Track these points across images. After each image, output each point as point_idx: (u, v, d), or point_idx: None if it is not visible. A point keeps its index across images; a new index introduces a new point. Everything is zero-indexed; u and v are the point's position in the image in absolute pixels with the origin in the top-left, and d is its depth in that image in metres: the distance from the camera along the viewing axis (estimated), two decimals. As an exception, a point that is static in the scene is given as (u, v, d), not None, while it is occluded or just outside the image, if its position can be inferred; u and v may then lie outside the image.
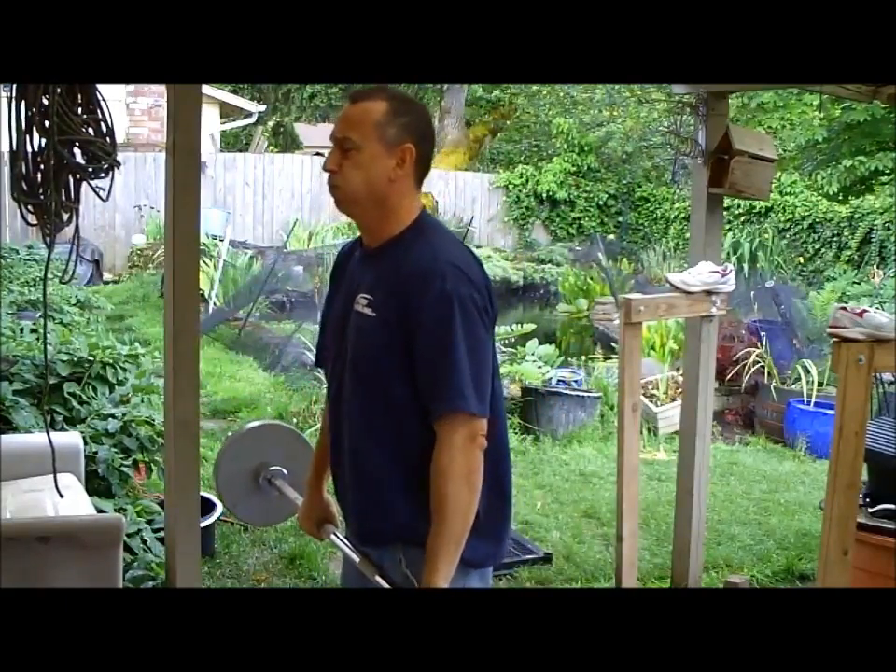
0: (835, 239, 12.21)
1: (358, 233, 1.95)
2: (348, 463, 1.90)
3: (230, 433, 2.48)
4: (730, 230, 12.70)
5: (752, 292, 8.87)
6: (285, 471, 2.36)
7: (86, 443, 3.60)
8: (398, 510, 1.83)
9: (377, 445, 1.83)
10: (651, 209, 15.40)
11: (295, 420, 5.86)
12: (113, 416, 3.96)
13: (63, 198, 2.21)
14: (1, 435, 3.34)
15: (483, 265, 1.87)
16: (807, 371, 6.49)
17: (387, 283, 1.79)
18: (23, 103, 2.13)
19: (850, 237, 11.96)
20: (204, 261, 9.41)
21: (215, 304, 9.37)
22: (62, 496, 2.97)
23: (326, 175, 1.82)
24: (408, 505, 1.82)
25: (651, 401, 6.42)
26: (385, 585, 1.82)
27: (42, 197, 2.18)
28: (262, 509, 2.43)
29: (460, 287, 1.74)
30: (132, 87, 12.83)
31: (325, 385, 2.12)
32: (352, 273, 1.91)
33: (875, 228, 11.64)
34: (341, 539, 2.02)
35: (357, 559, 1.92)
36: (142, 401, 4.19)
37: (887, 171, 12.37)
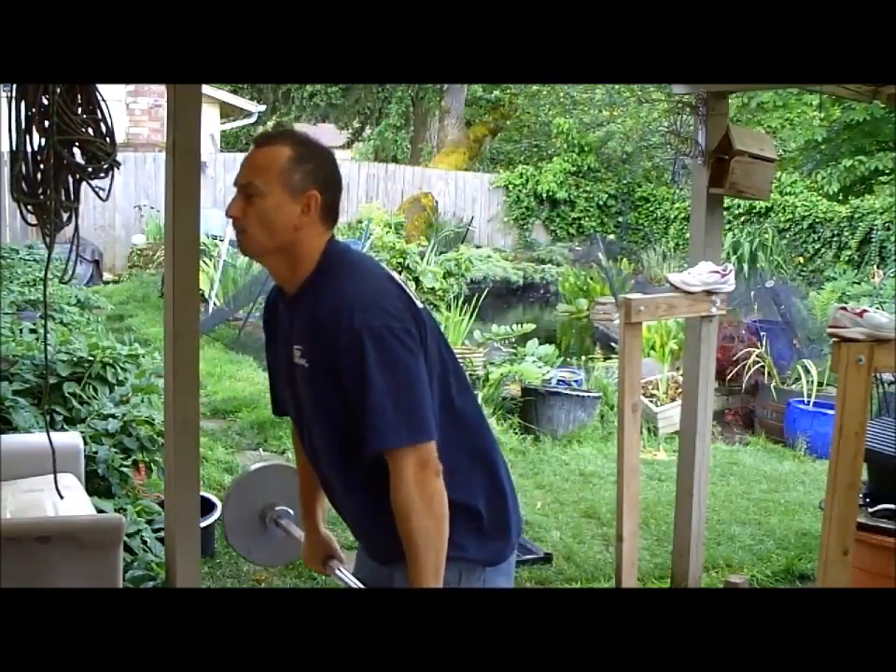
0: (835, 239, 12.22)
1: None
2: (339, 501, 1.94)
3: (234, 478, 2.50)
4: (730, 230, 12.71)
5: (752, 292, 8.87)
6: (290, 511, 2.36)
7: (86, 443, 3.60)
8: (394, 533, 1.80)
9: (361, 489, 1.83)
10: (651, 209, 15.41)
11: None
12: (113, 416, 3.96)
13: (63, 198, 2.21)
14: (1, 435, 3.34)
15: (401, 285, 1.81)
16: (807, 371, 6.49)
17: (308, 330, 1.76)
18: (23, 103, 2.13)
19: (850, 237, 11.97)
20: (204, 261, 9.41)
21: (215, 304, 9.37)
22: (62, 497, 2.97)
23: (227, 213, 1.78)
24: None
25: (651, 401, 6.42)
26: None
27: (42, 197, 2.19)
28: (272, 550, 2.44)
29: (370, 320, 1.68)
30: (132, 87, 12.84)
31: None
32: (281, 322, 1.88)
33: (875, 228, 11.65)
34: (345, 575, 2.03)
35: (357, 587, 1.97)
36: (142, 401, 4.19)
37: (887, 171, 12.37)
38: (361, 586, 1.95)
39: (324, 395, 1.77)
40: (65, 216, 2.25)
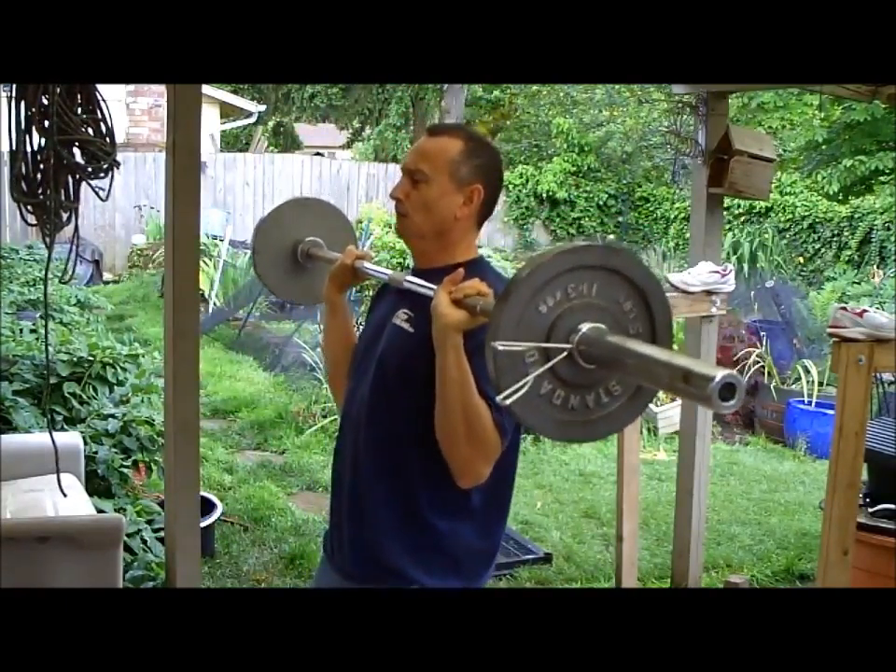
0: (835, 239, 12.21)
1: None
2: (346, 491, 1.86)
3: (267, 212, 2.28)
4: (730, 230, 12.69)
5: (752, 292, 8.86)
6: (321, 242, 2.20)
7: (86, 443, 3.60)
8: (387, 549, 1.78)
9: (377, 474, 1.80)
10: (651, 209, 15.40)
11: (295, 420, 5.87)
12: (113, 416, 3.96)
13: (63, 198, 2.22)
14: (1, 435, 3.34)
15: None
16: (807, 371, 6.49)
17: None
18: (23, 103, 2.13)
19: (850, 237, 11.96)
20: (204, 261, 9.41)
21: (215, 304, 9.37)
22: (65, 495, 2.97)
23: (392, 194, 1.82)
24: (398, 547, 1.77)
25: (652, 401, 6.41)
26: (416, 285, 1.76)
27: (42, 197, 2.19)
28: (301, 285, 2.26)
29: None
30: (132, 87, 12.84)
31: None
32: (397, 293, 1.89)
33: (875, 228, 11.64)
34: (373, 268, 1.95)
35: (388, 276, 1.88)
36: (142, 401, 4.19)
37: (887, 171, 12.36)
38: (403, 275, 1.86)
39: (418, 363, 1.74)
40: (65, 216, 2.25)
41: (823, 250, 12.35)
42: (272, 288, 2.33)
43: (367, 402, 1.82)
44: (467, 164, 1.78)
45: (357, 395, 1.86)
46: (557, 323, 1.36)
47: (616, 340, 1.35)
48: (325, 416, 5.77)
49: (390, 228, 12.55)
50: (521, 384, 1.33)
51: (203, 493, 3.22)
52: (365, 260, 1.99)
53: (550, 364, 1.35)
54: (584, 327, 1.36)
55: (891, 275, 10.40)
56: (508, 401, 1.33)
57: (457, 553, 1.79)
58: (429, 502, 1.75)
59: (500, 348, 1.33)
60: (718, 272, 3.45)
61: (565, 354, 1.35)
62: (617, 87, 14.59)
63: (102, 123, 2.22)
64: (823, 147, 13.19)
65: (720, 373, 1.14)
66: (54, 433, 2.91)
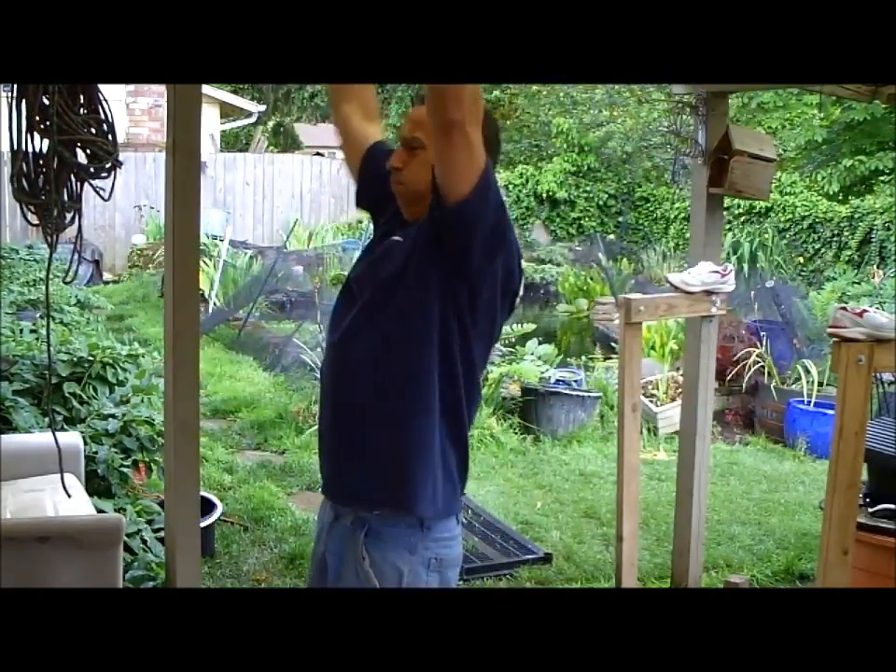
0: (835, 239, 12.21)
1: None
2: (338, 419, 1.87)
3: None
4: (730, 230, 12.70)
5: (752, 292, 8.86)
6: None
7: (86, 443, 3.60)
8: (365, 470, 1.80)
9: (361, 400, 1.81)
10: (651, 209, 15.40)
11: (295, 420, 5.87)
12: (113, 416, 3.96)
13: (66, 198, 2.21)
14: (1, 435, 3.35)
15: None
16: (807, 371, 6.49)
17: (426, 223, 1.80)
18: (24, 103, 2.13)
19: (850, 237, 11.96)
20: (204, 261, 9.41)
21: (215, 304, 9.37)
22: (69, 495, 2.97)
23: (391, 164, 1.85)
24: (376, 467, 1.80)
25: (651, 401, 6.42)
26: None
27: (43, 197, 2.19)
28: None
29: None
30: (132, 87, 12.84)
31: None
32: (394, 224, 1.92)
33: (875, 228, 11.64)
34: None
35: None
36: (142, 401, 4.19)
37: (887, 171, 12.37)
38: None
39: (412, 272, 1.78)
40: (68, 216, 2.25)
41: (823, 250, 12.35)
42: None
43: (350, 325, 1.84)
44: None
45: (344, 321, 1.88)
46: None
47: None
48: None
49: (390, 228, 12.55)
50: None
51: (202, 493, 3.22)
52: None
53: None
54: None
55: (891, 275, 10.40)
56: None
57: (447, 479, 1.81)
58: (417, 427, 1.77)
59: None
60: (718, 272, 3.45)
61: None
62: (617, 87, 14.58)
63: (103, 123, 2.22)
64: (823, 146, 13.19)
65: None
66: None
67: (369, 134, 2.06)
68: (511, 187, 15.53)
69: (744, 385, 6.78)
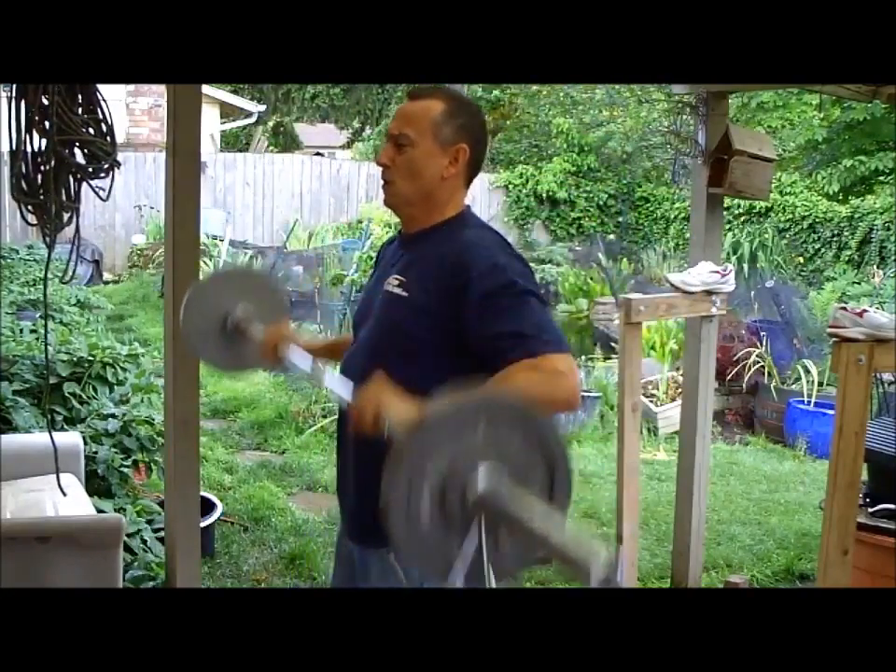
0: (835, 239, 12.20)
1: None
2: (351, 452, 1.87)
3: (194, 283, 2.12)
4: (730, 230, 12.69)
5: (752, 292, 8.86)
6: (253, 310, 2.07)
7: (86, 443, 3.60)
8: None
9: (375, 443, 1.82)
10: (651, 209, 15.39)
11: (295, 420, 5.87)
12: (113, 416, 3.96)
13: (64, 198, 2.22)
14: (1, 435, 3.35)
15: None
16: (807, 371, 6.49)
17: (424, 264, 1.78)
18: (23, 103, 2.13)
19: (850, 237, 11.95)
20: (204, 261, 9.41)
21: (215, 304, 9.35)
22: (65, 494, 2.97)
23: (378, 161, 1.84)
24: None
25: (651, 401, 6.42)
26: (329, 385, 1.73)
27: (42, 197, 2.19)
28: (231, 354, 2.12)
29: (513, 262, 1.75)
30: (132, 87, 12.84)
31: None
32: (388, 259, 1.92)
33: (875, 228, 11.64)
34: (298, 355, 1.86)
35: (310, 368, 1.82)
36: (142, 401, 4.20)
37: (887, 171, 12.36)
38: (311, 364, 1.82)
39: (413, 324, 1.76)
40: (66, 216, 2.25)
41: (823, 250, 12.35)
42: (205, 360, 2.21)
43: (362, 371, 1.77)
44: (450, 124, 1.79)
45: (353, 362, 1.87)
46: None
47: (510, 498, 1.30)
48: (325, 416, 5.77)
49: (391, 227, 12.56)
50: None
51: (202, 493, 3.22)
52: (289, 342, 1.91)
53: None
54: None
55: (891, 275, 10.40)
56: None
57: None
58: None
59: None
60: (718, 272, 3.45)
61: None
62: (617, 87, 14.58)
63: (102, 123, 2.22)
64: (823, 146, 13.19)
65: (593, 562, 1.13)
66: (54, 433, 2.91)
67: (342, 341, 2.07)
68: (510, 187, 15.53)
69: (744, 385, 6.79)
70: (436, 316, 1.74)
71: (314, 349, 1.98)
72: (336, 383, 1.74)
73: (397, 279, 1.81)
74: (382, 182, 1.85)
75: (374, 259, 2.08)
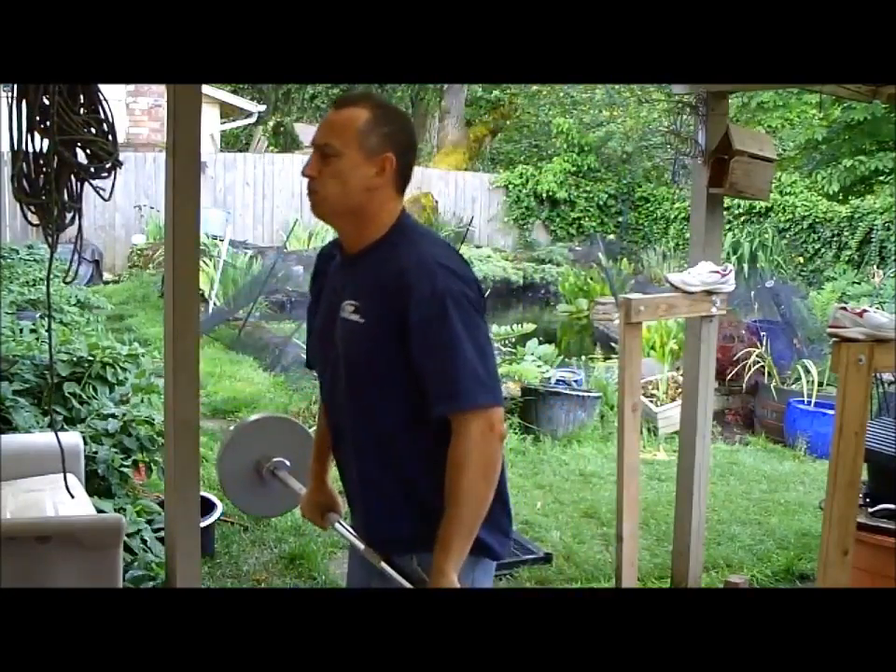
0: (835, 239, 12.21)
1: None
2: (353, 473, 1.90)
3: (230, 428, 2.39)
4: (730, 230, 12.70)
5: (752, 292, 8.86)
6: (287, 463, 2.31)
7: (86, 443, 3.60)
8: (401, 520, 1.83)
9: (374, 457, 1.83)
10: (651, 209, 15.40)
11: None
12: (113, 416, 3.96)
13: (65, 198, 2.22)
14: (1, 435, 3.34)
15: (468, 263, 1.86)
16: (807, 371, 6.49)
17: (372, 287, 1.77)
18: (24, 103, 2.13)
19: (850, 237, 11.96)
20: (204, 261, 9.41)
21: (215, 304, 9.37)
22: (72, 496, 2.97)
23: (304, 172, 1.80)
24: (410, 515, 1.82)
25: (651, 401, 6.42)
26: (391, 573, 1.81)
27: (43, 197, 2.19)
28: (265, 501, 2.38)
29: (451, 285, 1.72)
30: (132, 87, 12.84)
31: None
32: (334, 279, 1.89)
33: (875, 228, 11.64)
34: (344, 527, 2.00)
35: (361, 547, 1.90)
36: (142, 401, 4.19)
37: (887, 171, 12.36)
38: (358, 541, 1.92)
39: (379, 352, 1.76)
40: (68, 216, 2.25)
41: (823, 250, 12.35)
42: (233, 502, 2.48)
43: (347, 408, 1.85)
44: (375, 133, 1.75)
45: (333, 393, 1.89)
46: None
47: None
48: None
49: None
50: None
51: (202, 493, 3.22)
52: (335, 513, 2.08)
53: None
54: None
55: (891, 275, 10.40)
56: None
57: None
58: (426, 486, 1.78)
59: None
60: (718, 272, 3.45)
61: None
62: (617, 87, 14.59)
63: (104, 123, 2.22)
64: (823, 146, 13.19)
65: None
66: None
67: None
68: (510, 187, 15.53)
69: (744, 385, 6.79)
70: (393, 341, 1.73)
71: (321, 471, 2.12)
72: (393, 574, 1.84)
73: (351, 305, 1.79)
74: (308, 192, 1.80)
75: (313, 272, 2.01)
